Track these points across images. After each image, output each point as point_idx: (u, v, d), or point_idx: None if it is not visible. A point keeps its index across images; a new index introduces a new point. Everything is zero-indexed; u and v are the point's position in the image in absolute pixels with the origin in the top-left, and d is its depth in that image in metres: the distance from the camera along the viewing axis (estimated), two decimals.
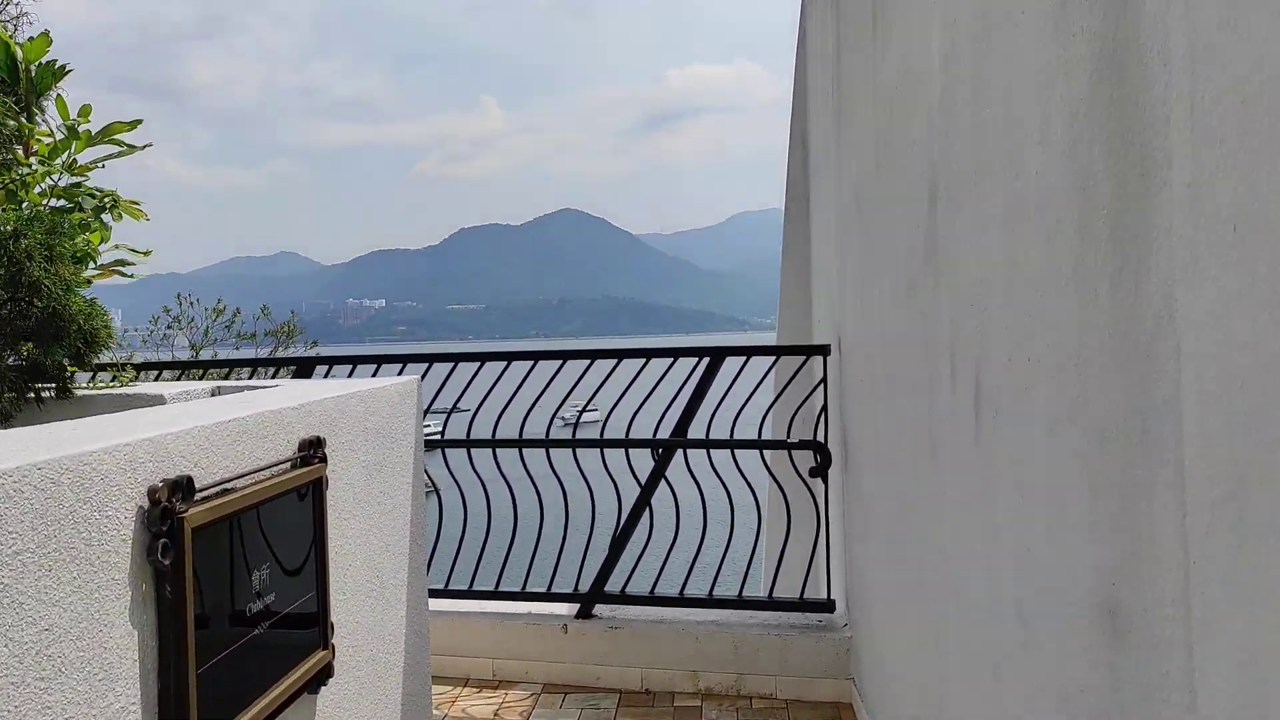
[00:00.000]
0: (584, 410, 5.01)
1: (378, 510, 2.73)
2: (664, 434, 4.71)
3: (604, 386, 4.99)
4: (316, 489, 2.25)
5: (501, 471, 4.95)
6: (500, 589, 4.91)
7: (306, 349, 30.12)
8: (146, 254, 3.43)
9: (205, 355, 27.50)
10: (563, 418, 5.04)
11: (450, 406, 5.07)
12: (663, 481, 4.73)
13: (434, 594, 4.94)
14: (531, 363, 4.87)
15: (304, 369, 5.03)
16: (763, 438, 4.66)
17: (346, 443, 2.52)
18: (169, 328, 28.21)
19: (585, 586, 4.81)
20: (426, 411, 5.11)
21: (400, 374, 5.03)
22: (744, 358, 4.69)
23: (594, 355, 4.78)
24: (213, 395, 2.95)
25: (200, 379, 4.83)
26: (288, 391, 2.55)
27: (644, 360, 4.76)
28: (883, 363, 3.36)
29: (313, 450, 2.24)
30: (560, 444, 4.78)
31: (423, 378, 5.18)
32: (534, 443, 4.82)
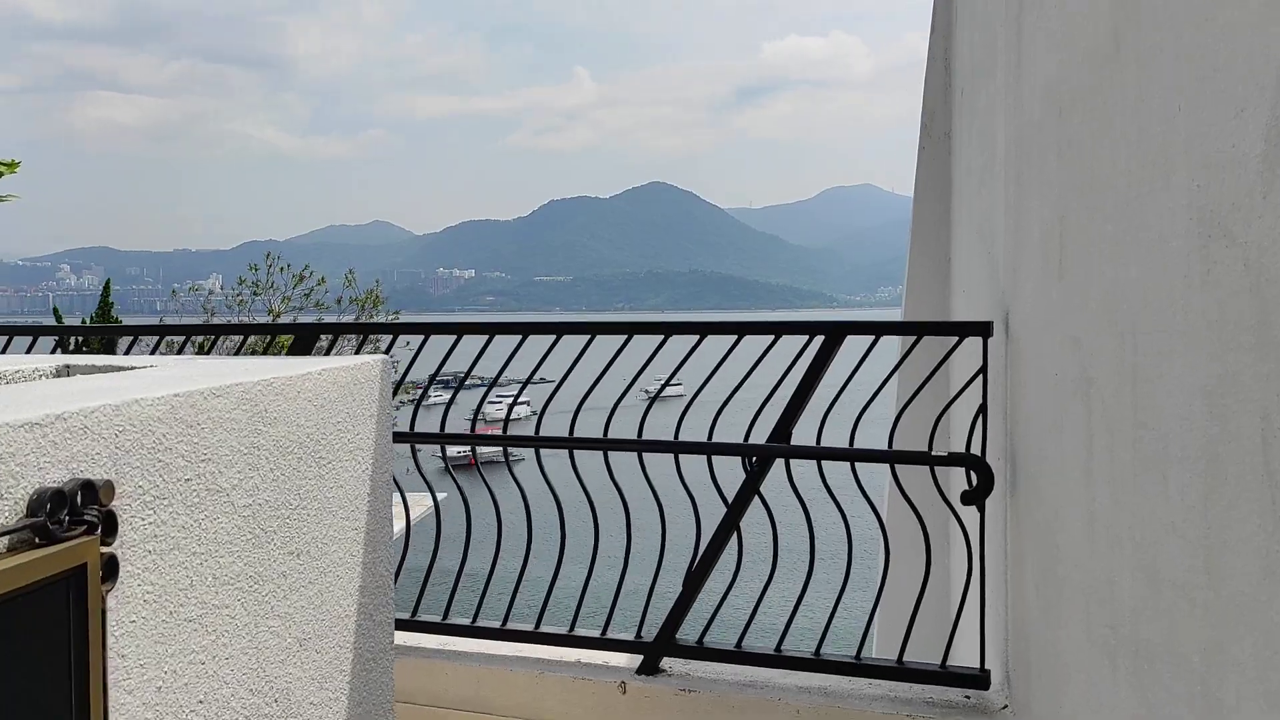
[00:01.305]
0: (667, 383, 3.82)
1: (283, 586, 1.63)
2: (759, 437, 3.53)
3: (681, 371, 3.83)
4: (77, 589, 1.14)
5: (547, 478, 3.83)
6: (541, 629, 3.80)
7: (388, 318, 29.77)
8: (12, 166, 2.41)
9: (285, 321, 27.27)
10: (645, 390, 3.91)
11: (484, 391, 3.97)
12: (756, 499, 3.56)
13: (458, 632, 3.86)
14: (587, 337, 3.73)
15: (304, 340, 3.96)
16: (894, 447, 3.44)
17: (198, 480, 1.41)
18: (253, 294, 28.09)
19: (651, 633, 3.68)
20: (460, 386, 4.02)
21: (422, 344, 3.96)
22: (871, 337, 3.47)
23: (668, 329, 3.61)
24: (57, 377, 1.88)
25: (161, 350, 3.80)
26: (94, 383, 1.46)
27: (735, 338, 3.58)
28: (1114, 349, 2.12)
29: (67, 511, 1.13)
30: (622, 446, 3.64)
31: (450, 350, 4.10)
32: (589, 443, 3.68)
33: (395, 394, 4.51)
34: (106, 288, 16.36)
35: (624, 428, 3.67)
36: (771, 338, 3.54)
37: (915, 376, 3.58)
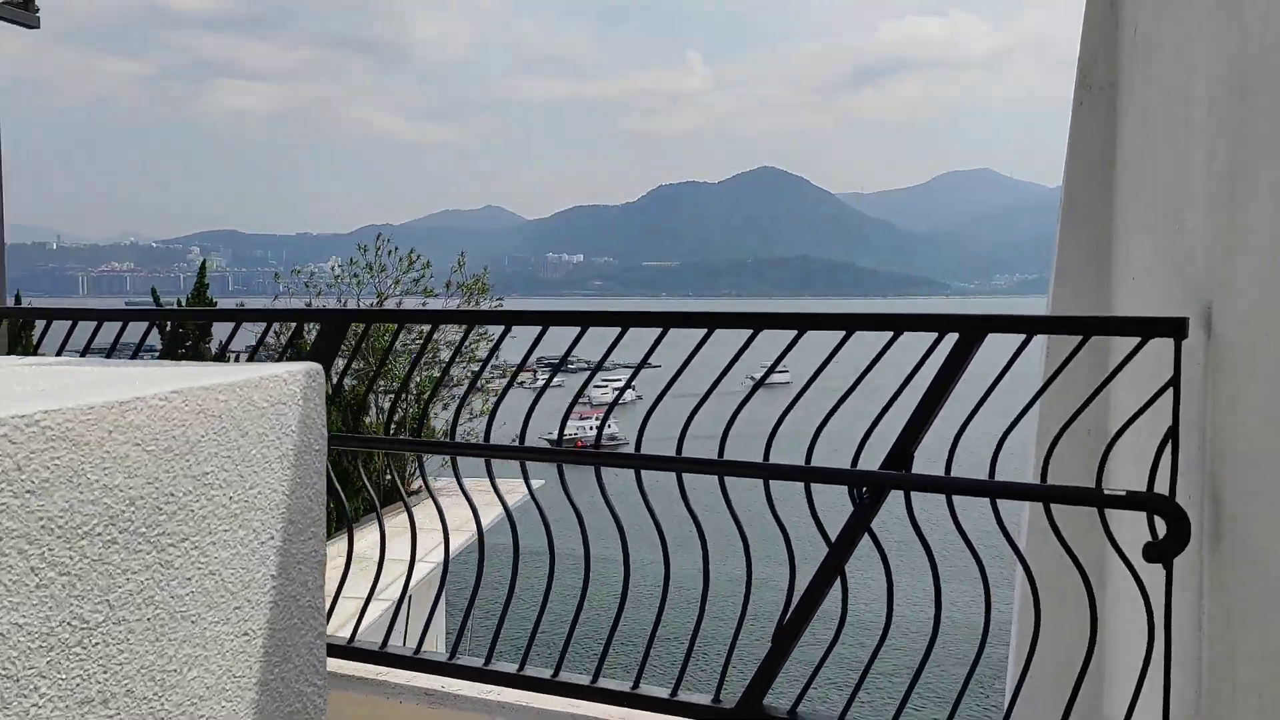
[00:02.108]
0: (774, 369, 3.09)
1: None
2: (871, 461, 2.79)
3: (776, 374, 3.13)
4: None
5: (607, 498, 3.17)
6: (599, 683, 3.14)
7: (493, 304, 29.62)
8: None
9: (389, 305, 27.26)
10: (751, 377, 3.22)
11: (535, 394, 3.33)
12: (865, 537, 2.83)
13: (502, 681, 3.24)
14: (659, 331, 3.05)
15: (331, 330, 3.36)
16: (1048, 481, 2.66)
17: None
18: (354, 277, 28.25)
19: (733, 697, 2.99)
20: (513, 380, 3.42)
21: (467, 332, 3.34)
22: (1019, 336, 2.69)
23: (757, 324, 2.90)
24: None
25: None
26: None
27: (842, 335, 2.84)
28: None
29: None
30: (700, 467, 2.94)
31: (501, 338, 3.48)
32: (658, 462, 3.00)
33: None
34: (202, 270, 16.25)
35: (707, 428, 2.97)
36: (889, 335, 2.80)
37: (1066, 389, 2.78)
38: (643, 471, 3.05)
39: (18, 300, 13.75)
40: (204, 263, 16.23)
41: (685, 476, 3.02)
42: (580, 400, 3.43)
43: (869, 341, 2.82)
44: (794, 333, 2.90)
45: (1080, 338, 2.64)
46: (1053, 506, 2.71)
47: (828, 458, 2.77)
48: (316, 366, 1.38)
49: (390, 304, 27.37)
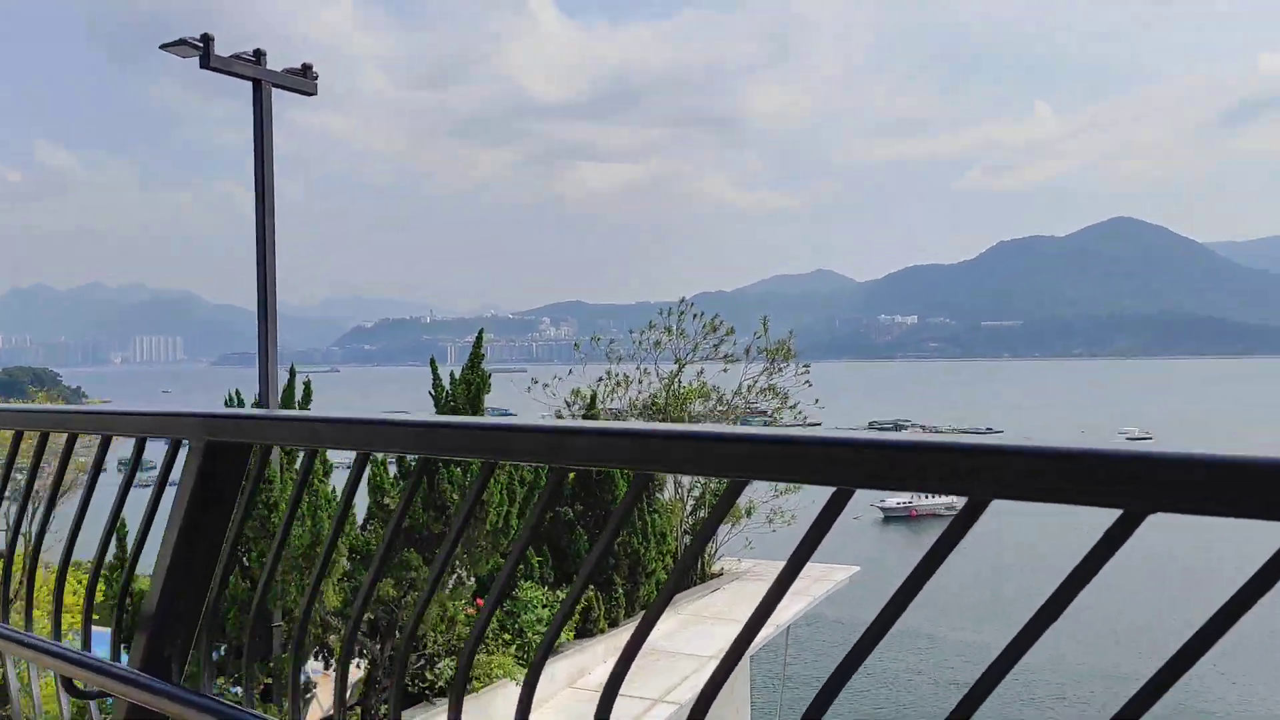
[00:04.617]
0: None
1: None
2: None
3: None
4: None
5: None
6: None
7: (798, 372, 27.49)
8: None
9: (688, 373, 25.81)
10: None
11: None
12: None
13: None
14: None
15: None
16: None
17: None
18: (655, 343, 27.18)
19: None
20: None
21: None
22: None
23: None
24: None
25: None
26: None
27: None
28: None
29: None
30: None
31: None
32: None
33: None
34: (478, 341, 14.43)
35: None
36: None
37: None
38: None
39: (291, 375, 13.60)
40: (480, 334, 14.39)
41: None
42: None
43: None
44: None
45: None
46: None
47: None
48: None
49: (690, 371, 26.15)
